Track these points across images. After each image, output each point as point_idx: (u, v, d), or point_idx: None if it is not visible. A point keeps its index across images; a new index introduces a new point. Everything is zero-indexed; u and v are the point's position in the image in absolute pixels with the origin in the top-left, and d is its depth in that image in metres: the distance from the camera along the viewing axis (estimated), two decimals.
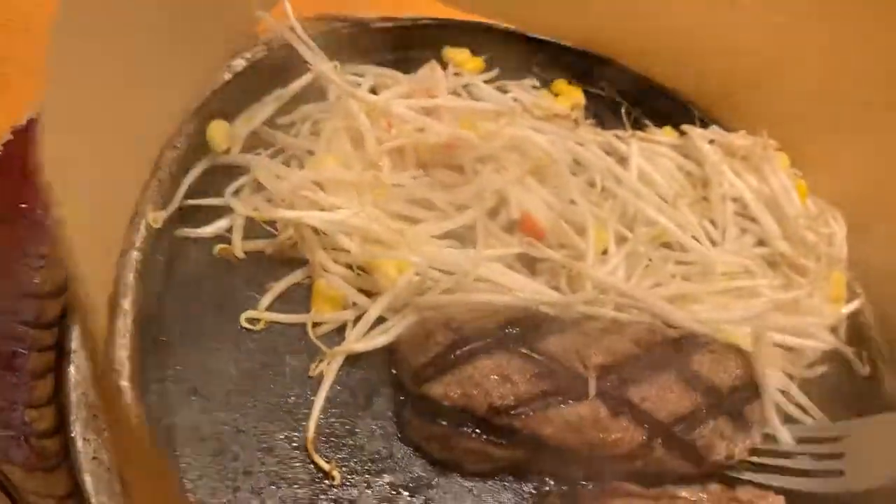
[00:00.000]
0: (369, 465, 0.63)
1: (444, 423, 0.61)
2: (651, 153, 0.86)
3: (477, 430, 0.61)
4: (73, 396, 0.59)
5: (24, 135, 0.70)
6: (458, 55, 0.88)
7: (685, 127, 0.90)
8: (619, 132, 0.87)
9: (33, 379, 0.60)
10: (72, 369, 0.60)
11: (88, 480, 0.56)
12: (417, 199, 0.74)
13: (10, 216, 0.66)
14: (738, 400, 0.68)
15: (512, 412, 0.61)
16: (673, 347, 0.68)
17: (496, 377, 0.61)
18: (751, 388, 0.70)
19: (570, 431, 0.62)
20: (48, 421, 0.59)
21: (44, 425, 0.59)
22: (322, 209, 0.70)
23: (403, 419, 0.64)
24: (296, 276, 0.70)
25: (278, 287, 0.69)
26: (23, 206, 0.67)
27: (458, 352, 0.62)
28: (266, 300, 0.68)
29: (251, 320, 0.66)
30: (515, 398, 0.61)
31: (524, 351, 0.63)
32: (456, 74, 0.86)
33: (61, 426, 0.59)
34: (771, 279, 0.81)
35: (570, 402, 0.62)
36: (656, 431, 0.64)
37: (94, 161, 0.49)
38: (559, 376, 0.63)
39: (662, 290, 0.76)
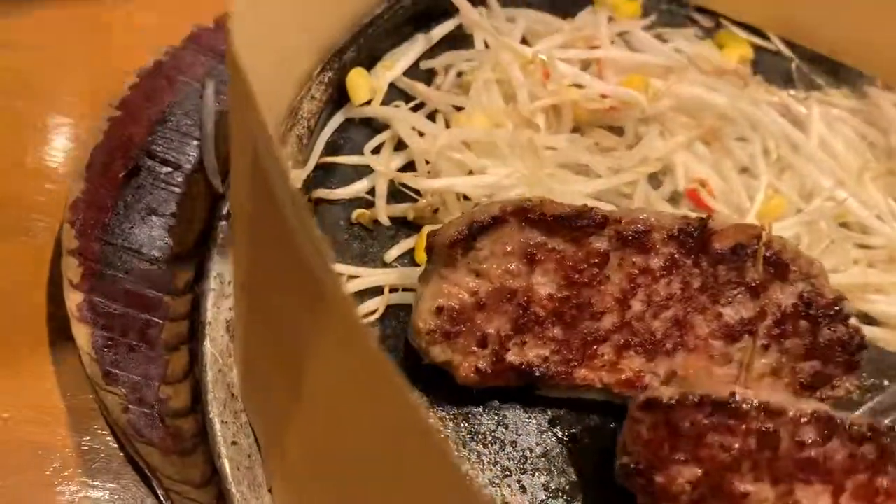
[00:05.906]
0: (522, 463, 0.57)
1: None
2: (830, 118, 0.75)
3: None
4: (210, 374, 0.53)
5: (152, 78, 0.64)
6: None
7: (868, 89, 0.78)
8: (795, 93, 0.76)
9: (167, 352, 0.55)
10: (207, 344, 0.54)
11: (227, 466, 0.51)
12: (571, 164, 0.66)
13: (135, 169, 0.61)
14: None
15: None
16: None
17: None
18: None
19: None
20: (182, 399, 0.54)
21: (178, 403, 0.54)
22: (469, 171, 0.63)
23: None
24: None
25: (407, 243, 0.62)
26: (150, 160, 0.61)
27: None
28: (394, 252, 0.61)
29: None
30: None
31: None
32: (610, 20, 0.75)
33: (196, 406, 0.54)
34: None
35: None
36: None
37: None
38: None
39: (842, 277, 0.67)
